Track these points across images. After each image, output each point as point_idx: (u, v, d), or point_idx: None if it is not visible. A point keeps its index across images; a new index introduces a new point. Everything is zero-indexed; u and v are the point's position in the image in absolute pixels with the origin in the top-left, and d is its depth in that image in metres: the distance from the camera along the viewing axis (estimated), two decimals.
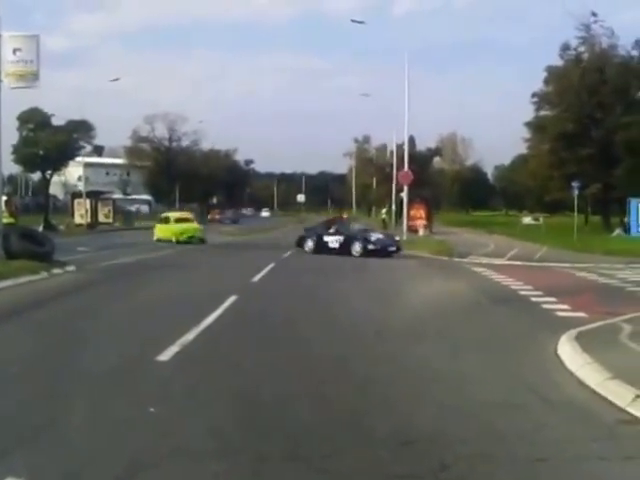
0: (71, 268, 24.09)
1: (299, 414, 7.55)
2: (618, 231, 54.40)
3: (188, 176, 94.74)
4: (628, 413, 7.52)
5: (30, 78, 24.33)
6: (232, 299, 16.44)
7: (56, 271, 22.91)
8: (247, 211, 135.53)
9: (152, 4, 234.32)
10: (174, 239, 42.65)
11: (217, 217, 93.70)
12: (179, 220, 46.32)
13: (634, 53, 66.72)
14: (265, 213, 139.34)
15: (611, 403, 7.93)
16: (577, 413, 7.72)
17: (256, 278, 22.19)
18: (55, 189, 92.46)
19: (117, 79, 72.87)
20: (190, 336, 11.69)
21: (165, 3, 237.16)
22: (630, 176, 61.11)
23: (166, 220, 46.77)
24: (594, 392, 8.44)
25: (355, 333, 12.77)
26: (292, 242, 37.53)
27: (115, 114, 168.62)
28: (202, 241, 43.82)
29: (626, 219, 55.00)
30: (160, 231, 45.63)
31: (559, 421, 7.46)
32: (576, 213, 46.38)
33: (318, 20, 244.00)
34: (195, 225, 46.33)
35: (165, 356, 10.13)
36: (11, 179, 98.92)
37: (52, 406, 7.76)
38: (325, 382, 9.05)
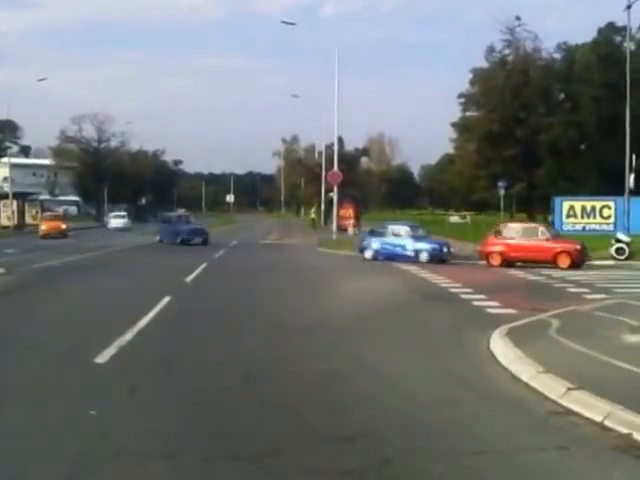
0: (0, 270, 23.58)
1: (239, 413, 7.59)
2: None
3: (116, 177, 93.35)
4: (560, 405, 7.78)
5: None
6: (166, 300, 16.37)
7: None
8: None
9: (79, 3, 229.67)
10: None
11: None
12: None
13: (556, 56, 68.75)
14: (118, 220, 71.65)
15: (544, 396, 8.18)
16: (512, 406, 7.94)
17: (189, 278, 22.14)
18: None
19: (44, 79, 71.62)
20: (127, 337, 11.63)
21: (91, 2, 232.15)
22: (552, 175, 62.77)
23: None
24: (527, 386, 8.70)
25: (290, 331, 12.88)
26: None
27: (42, 114, 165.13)
28: None
29: (550, 217, 56.27)
30: None
31: (495, 414, 7.67)
32: (502, 212, 47.24)
33: (247, 20, 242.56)
34: None
35: (103, 358, 10.06)
36: None
37: None
38: (264, 381, 9.10)
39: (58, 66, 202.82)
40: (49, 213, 65.34)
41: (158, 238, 43.95)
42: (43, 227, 54.07)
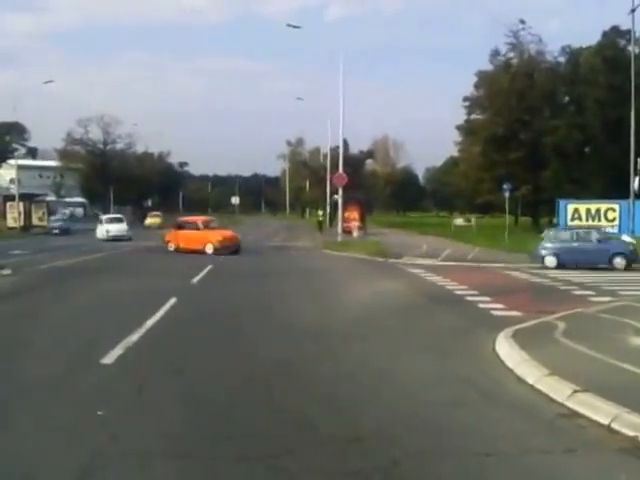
0: (7, 272, 23.63)
1: (246, 414, 7.63)
2: (547, 231, 55.60)
3: (122, 179, 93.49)
4: (566, 407, 7.79)
5: None
6: (172, 301, 16.41)
7: None
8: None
9: (83, 5, 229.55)
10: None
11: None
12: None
13: (561, 59, 68.77)
14: (114, 227, 51.42)
15: (550, 398, 8.19)
16: (518, 409, 7.96)
17: (195, 280, 22.15)
18: None
19: (51, 81, 71.79)
20: (133, 337, 11.69)
21: (96, 4, 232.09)
22: (557, 178, 62.76)
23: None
24: (533, 388, 8.71)
25: (296, 333, 12.90)
26: None
27: (49, 116, 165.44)
28: None
29: (555, 219, 56.29)
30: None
31: (501, 417, 7.68)
32: (507, 214, 47.23)
33: (253, 23, 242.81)
34: None
35: (109, 359, 10.11)
36: None
37: None
38: (270, 382, 9.13)
39: (64, 68, 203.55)
40: (200, 218, 40.63)
41: (554, 261, 28.26)
42: (218, 238, 35.40)
